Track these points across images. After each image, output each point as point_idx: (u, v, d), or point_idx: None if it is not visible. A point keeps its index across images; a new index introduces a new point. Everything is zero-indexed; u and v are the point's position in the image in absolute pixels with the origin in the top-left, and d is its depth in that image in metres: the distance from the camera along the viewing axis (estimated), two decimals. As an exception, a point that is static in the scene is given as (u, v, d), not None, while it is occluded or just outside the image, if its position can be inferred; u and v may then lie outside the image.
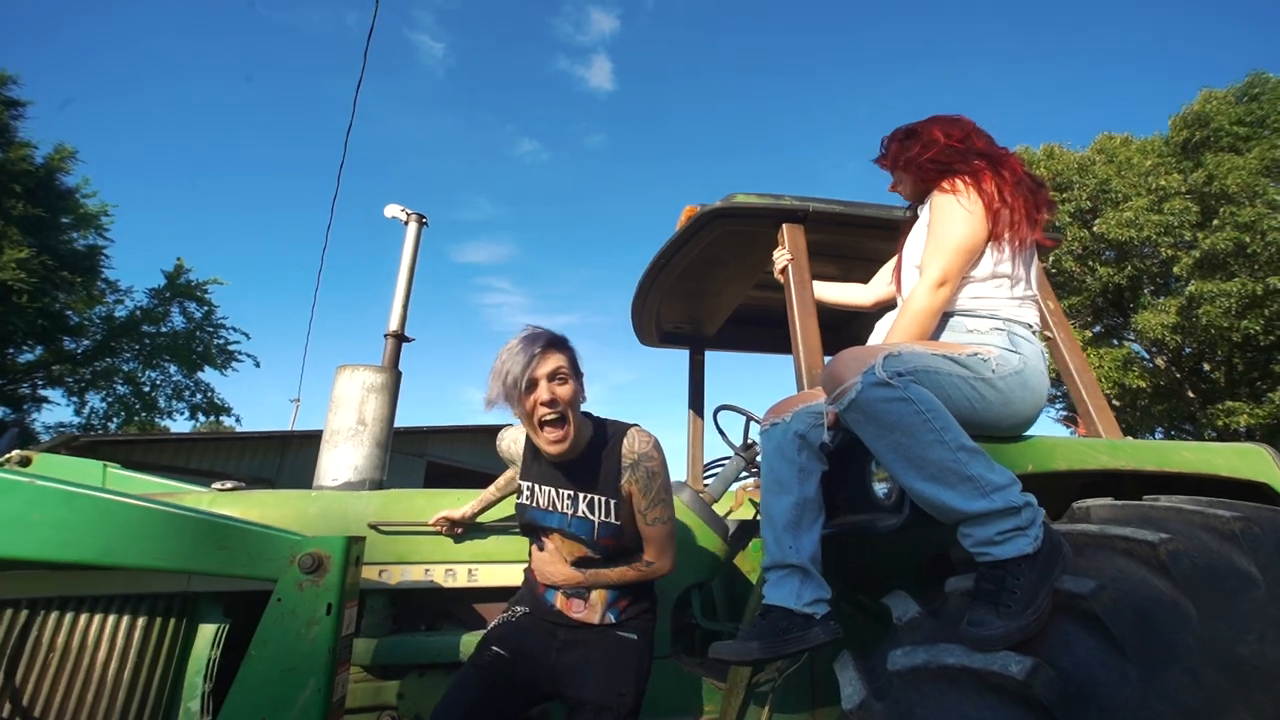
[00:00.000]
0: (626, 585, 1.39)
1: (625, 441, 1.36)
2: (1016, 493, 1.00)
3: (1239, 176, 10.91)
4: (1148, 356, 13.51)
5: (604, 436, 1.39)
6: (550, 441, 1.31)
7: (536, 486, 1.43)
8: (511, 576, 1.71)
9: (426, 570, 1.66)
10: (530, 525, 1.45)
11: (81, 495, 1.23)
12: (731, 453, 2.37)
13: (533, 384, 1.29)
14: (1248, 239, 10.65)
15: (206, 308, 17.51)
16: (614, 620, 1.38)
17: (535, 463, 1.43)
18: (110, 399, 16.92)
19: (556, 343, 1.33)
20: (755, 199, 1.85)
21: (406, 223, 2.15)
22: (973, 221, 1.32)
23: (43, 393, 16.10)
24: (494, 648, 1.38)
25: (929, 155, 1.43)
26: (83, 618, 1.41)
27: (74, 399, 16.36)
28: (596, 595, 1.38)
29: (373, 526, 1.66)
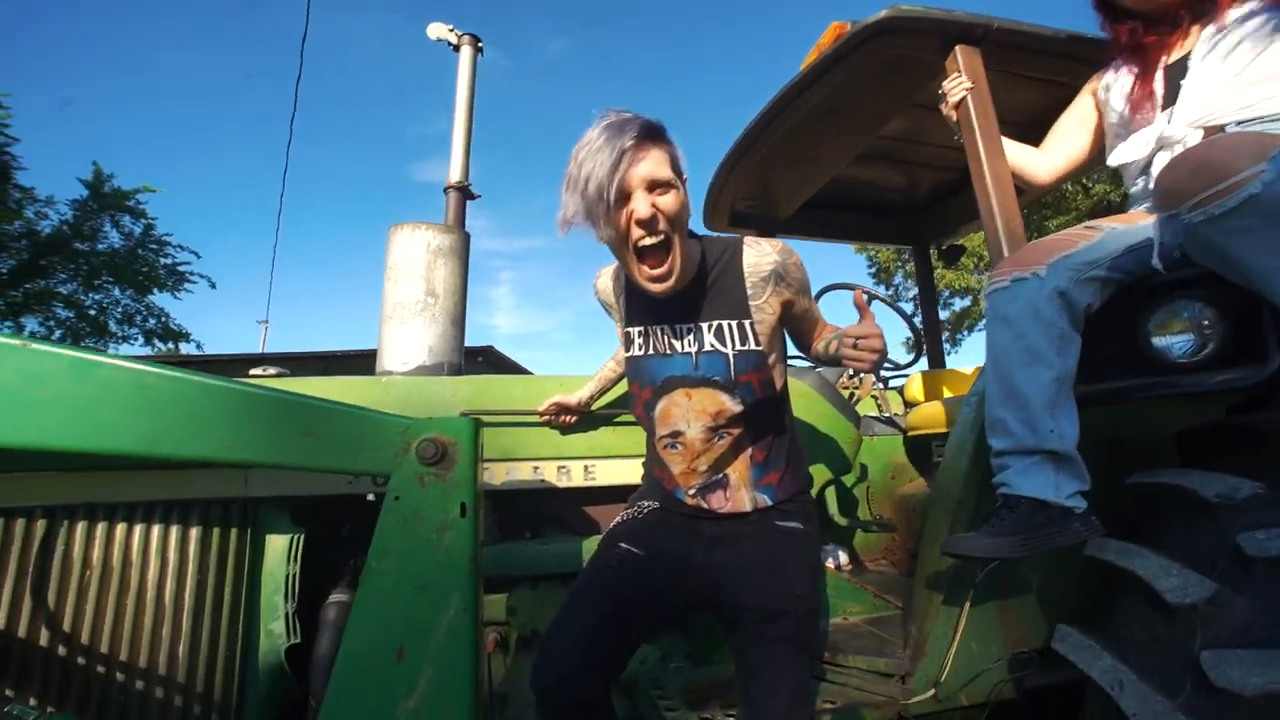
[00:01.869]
0: (775, 454, 1.12)
1: (746, 254, 1.06)
2: None
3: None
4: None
5: (712, 254, 1.09)
6: (650, 278, 1.00)
7: (649, 330, 1.11)
8: (633, 473, 1.44)
9: (536, 467, 1.38)
10: (648, 383, 1.13)
11: (109, 365, 0.87)
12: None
13: (624, 194, 0.94)
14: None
15: (144, 222, 15.82)
16: (770, 502, 1.10)
17: (640, 300, 1.11)
18: (50, 323, 15.55)
19: (653, 134, 0.95)
20: (923, 10, 1.45)
21: (457, 48, 1.66)
22: None
23: (-36, 317, 14.63)
24: (623, 545, 1.11)
25: None
26: (119, 528, 1.09)
27: (7, 323, 14.91)
28: (736, 475, 1.10)
29: (465, 416, 1.34)
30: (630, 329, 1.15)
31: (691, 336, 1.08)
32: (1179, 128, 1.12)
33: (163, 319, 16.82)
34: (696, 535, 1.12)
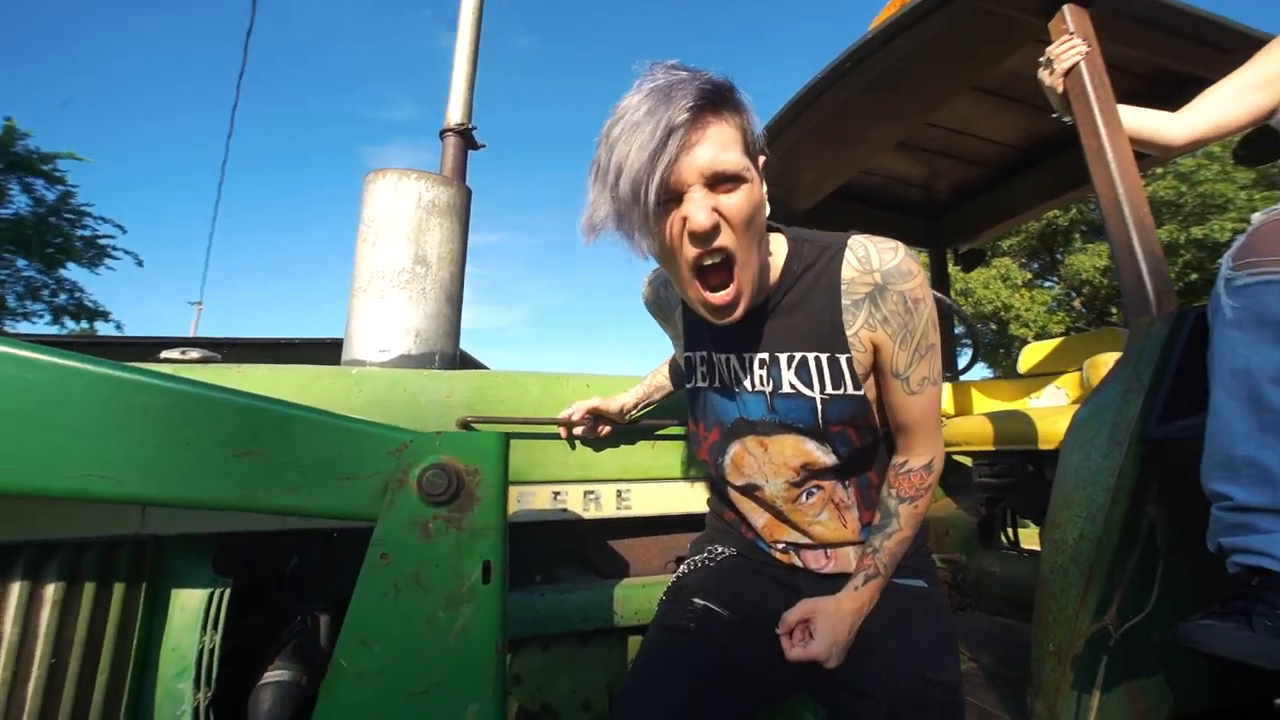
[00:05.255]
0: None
1: (848, 260, 0.76)
2: None
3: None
4: (1074, 292, 14.48)
5: (805, 256, 0.79)
6: (711, 307, 0.71)
7: (713, 359, 0.84)
8: (674, 500, 1.15)
9: (557, 493, 1.06)
10: (714, 424, 0.87)
11: None
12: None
13: (674, 193, 0.65)
14: (1184, 188, 11.29)
15: (61, 189, 14.31)
16: None
17: (702, 322, 0.82)
18: (-72, 294, 13.77)
19: (718, 100, 0.66)
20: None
21: (459, -42, 1.33)
22: None
23: None
24: (698, 600, 0.83)
25: None
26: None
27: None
28: (837, 536, 0.84)
29: (466, 425, 1.01)
30: (691, 354, 0.88)
31: (765, 372, 0.80)
32: None
33: (76, 295, 15.24)
34: (793, 591, 0.85)
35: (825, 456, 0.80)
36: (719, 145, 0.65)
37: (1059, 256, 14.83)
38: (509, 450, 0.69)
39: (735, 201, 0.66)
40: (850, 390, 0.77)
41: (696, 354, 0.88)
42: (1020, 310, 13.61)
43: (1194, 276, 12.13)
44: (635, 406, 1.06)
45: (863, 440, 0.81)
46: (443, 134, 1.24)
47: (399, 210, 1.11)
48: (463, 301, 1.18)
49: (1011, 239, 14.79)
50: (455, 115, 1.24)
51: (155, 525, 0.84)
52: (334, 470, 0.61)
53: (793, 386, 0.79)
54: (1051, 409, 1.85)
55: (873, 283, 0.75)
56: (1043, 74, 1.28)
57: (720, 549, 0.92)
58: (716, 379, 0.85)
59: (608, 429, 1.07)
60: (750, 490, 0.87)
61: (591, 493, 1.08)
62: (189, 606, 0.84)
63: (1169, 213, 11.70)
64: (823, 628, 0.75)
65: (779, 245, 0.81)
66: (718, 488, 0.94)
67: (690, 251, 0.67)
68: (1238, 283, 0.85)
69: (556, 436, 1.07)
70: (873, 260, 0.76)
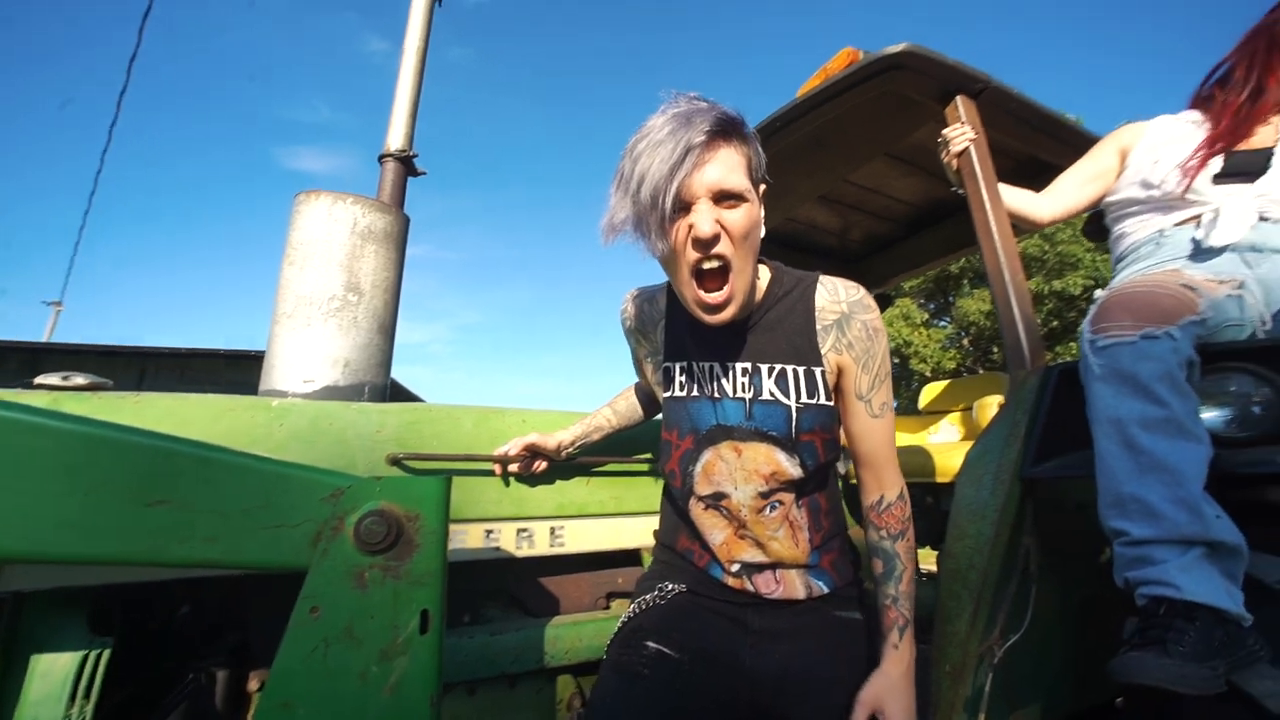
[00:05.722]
0: (831, 533, 0.93)
1: (820, 292, 0.89)
2: None
3: (1048, 193, 13.27)
4: (964, 332, 16.11)
5: (784, 284, 0.90)
6: (705, 305, 0.81)
7: (694, 367, 0.91)
8: (607, 537, 1.16)
9: (490, 531, 1.03)
10: (689, 431, 0.91)
11: None
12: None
13: (684, 203, 0.76)
14: (1046, 246, 13.03)
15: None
16: (826, 590, 0.90)
17: (686, 331, 0.92)
18: None
19: (729, 129, 0.77)
20: (938, 54, 1.42)
21: (407, -18, 1.31)
22: None
23: None
24: (652, 644, 0.85)
25: None
26: None
27: None
28: (789, 557, 0.89)
29: (397, 462, 0.98)
30: (671, 364, 0.93)
31: (747, 380, 0.87)
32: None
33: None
34: (741, 627, 0.89)
35: (792, 468, 0.87)
36: (727, 167, 0.76)
37: (950, 299, 16.51)
38: (451, 493, 0.68)
39: (736, 217, 0.77)
40: (822, 400, 0.87)
41: (676, 364, 0.93)
42: (920, 347, 14.94)
43: (1055, 323, 13.95)
44: (573, 444, 1.07)
45: (826, 455, 0.89)
46: (382, 159, 1.21)
47: (332, 234, 1.06)
48: (396, 331, 1.14)
49: (913, 280, 16.32)
50: (396, 141, 1.21)
51: (14, 581, 0.74)
52: (259, 519, 0.58)
53: (772, 394, 0.86)
54: (947, 445, 2.06)
55: (840, 312, 0.87)
56: (941, 153, 1.47)
57: (671, 586, 0.93)
58: (696, 386, 0.90)
59: (544, 465, 1.07)
60: (717, 499, 0.89)
61: (525, 530, 1.07)
62: (52, 674, 0.73)
63: (1035, 267, 13.44)
64: (894, 710, 0.80)
65: (763, 271, 0.91)
66: (676, 507, 0.96)
67: (692, 255, 0.77)
68: (1099, 344, 0.99)
69: (490, 473, 1.05)
70: (840, 294, 0.89)
